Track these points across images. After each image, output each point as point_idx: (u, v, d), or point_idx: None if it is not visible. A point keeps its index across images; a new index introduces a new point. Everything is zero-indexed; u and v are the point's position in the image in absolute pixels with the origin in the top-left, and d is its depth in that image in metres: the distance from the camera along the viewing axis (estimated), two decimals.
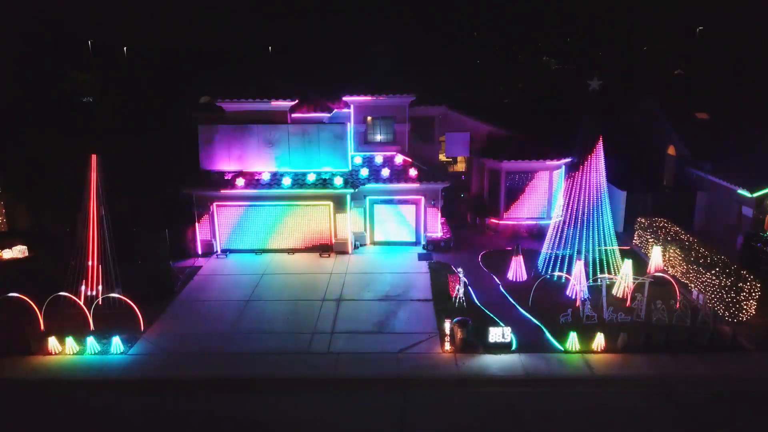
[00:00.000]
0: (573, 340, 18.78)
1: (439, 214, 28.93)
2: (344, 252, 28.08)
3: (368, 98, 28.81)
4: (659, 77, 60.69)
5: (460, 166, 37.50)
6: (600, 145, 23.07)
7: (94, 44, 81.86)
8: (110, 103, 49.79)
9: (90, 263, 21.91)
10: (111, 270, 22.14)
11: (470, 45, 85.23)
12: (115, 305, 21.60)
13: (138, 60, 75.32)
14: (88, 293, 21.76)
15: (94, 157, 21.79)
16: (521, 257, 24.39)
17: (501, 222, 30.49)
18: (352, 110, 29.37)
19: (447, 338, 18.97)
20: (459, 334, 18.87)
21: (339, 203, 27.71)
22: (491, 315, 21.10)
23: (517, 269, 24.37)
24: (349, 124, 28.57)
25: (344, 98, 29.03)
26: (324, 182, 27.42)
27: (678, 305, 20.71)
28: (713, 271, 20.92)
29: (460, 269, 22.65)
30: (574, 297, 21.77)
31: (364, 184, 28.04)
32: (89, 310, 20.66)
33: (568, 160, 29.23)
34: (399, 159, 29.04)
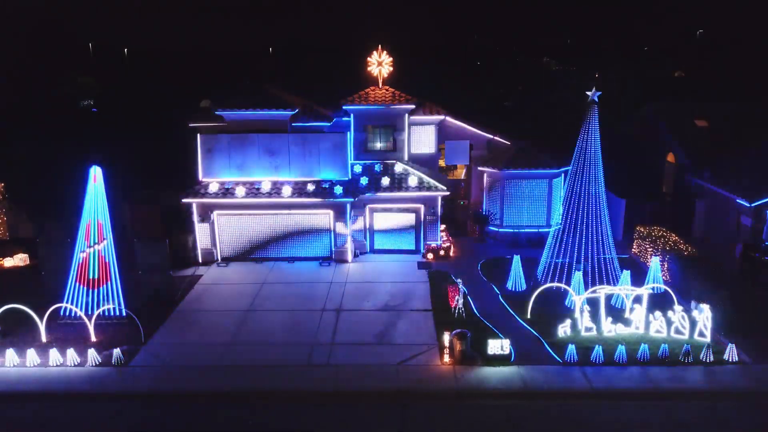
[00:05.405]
0: (571, 352, 18.88)
1: (439, 222, 29.01)
2: (344, 260, 28.18)
3: (368, 107, 28.90)
4: (659, 81, 60.77)
5: (460, 173, 37.59)
6: (599, 153, 23.17)
7: (95, 46, 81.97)
8: (110, 109, 49.91)
9: (91, 273, 22.02)
10: (112, 280, 22.24)
11: (470, 47, 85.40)
12: (115, 316, 21.73)
13: (139, 63, 75.52)
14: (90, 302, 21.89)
15: (95, 167, 21.91)
16: (520, 267, 24.47)
17: (501, 230, 30.58)
18: (351, 119, 29.47)
19: (446, 350, 19.06)
20: (458, 346, 18.96)
21: (339, 212, 27.80)
22: (490, 326, 21.18)
23: (516, 279, 24.46)
24: (348, 132, 28.67)
25: (344, 107, 29.12)
26: (324, 191, 27.51)
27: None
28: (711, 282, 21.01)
29: (459, 279, 22.73)
30: (573, 307, 21.82)
31: (363, 193, 28.13)
32: (90, 321, 20.76)
33: (567, 168, 29.27)
34: (399, 167, 29.13)
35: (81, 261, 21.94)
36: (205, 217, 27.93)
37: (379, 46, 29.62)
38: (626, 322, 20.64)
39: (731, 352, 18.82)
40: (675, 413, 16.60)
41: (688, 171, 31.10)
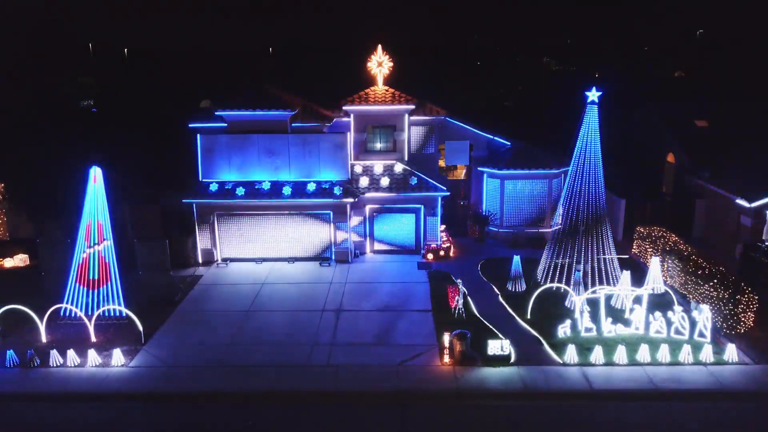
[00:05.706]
0: (571, 353, 18.88)
1: (439, 223, 29.02)
2: (344, 261, 28.18)
3: (368, 107, 28.91)
4: (660, 81, 60.74)
5: (460, 173, 37.60)
6: (599, 153, 23.17)
7: (95, 46, 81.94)
8: (110, 109, 49.84)
9: (91, 273, 22.04)
10: (112, 280, 22.25)
11: (470, 47, 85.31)
12: (116, 316, 21.74)
13: (139, 63, 75.44)
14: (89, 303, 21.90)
15: (95, 168, 21.93)
16: (520, 267, 24.47)
17: (501, 230, 30.58)
18: (352, 119, 29.47)
19: (446, 350, 19.07)
20: (458, 347, 18.96)
21: (339, 212, 27.81)
22: (490, 326, 21.18)
23: (516, 279, 24.43)
24: (348, 133, 28.67)
25: (344, 107, 29.12)
26: (324, 192, 27.51)
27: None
28: (711, 283, 20.99)
29: (459, 280, 22.73)
30: (572, 308, 21.83)
31: (363, 194, 28.14)
32: (90, 322, 20.76)
33: (567, 168, 29.28)
34: (399, 168, 29.14)
35: (81, 261, 21.95)
36: (205, 217, 27.93)
37: (379, 46, 29.63)
38: (626, 323, 20.64)
39: (731, 352, 18.83)
40: (675, 413, 16.60)
41: (688, 171, 31.10)
